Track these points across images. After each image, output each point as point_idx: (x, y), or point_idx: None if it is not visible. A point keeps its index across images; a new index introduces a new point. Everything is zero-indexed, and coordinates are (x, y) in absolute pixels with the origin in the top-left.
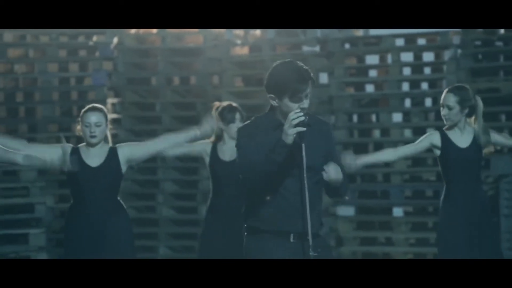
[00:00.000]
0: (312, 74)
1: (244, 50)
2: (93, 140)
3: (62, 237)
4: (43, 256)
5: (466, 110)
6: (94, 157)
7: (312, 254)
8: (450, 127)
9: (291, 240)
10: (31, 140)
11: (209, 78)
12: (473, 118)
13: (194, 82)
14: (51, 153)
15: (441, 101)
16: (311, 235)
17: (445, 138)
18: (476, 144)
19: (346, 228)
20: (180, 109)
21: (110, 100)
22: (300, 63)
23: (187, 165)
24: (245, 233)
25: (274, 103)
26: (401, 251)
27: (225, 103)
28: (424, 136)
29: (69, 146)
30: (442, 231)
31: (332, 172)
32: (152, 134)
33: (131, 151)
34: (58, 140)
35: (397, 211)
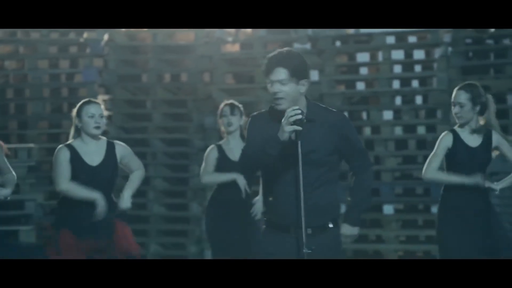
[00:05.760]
0: (273, 63)
1: (235, 48)
2: (98, 131)
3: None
4: None
5: (478, 107)
6: (92, 155)
7: (305, 252)
8: (462, 126)
9: (290, 234)
10: (21, 136)
11: (200, 76)
12: (484, 117)
13: (185, 79)
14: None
15: (452, 100)
16: (307, 231)
17: (456, 137)
18: (486, 144)
19: None
20: (171, 106)
21: (101, 97)
22: (278, 51)
23: (178, 162)
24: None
25: None
26: (391, 249)
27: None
28: (439, 143)
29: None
30: (444, 232)
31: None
32: (142, 131)
33: (127, 157)
34: (48, 138)
35: (388, 209)
